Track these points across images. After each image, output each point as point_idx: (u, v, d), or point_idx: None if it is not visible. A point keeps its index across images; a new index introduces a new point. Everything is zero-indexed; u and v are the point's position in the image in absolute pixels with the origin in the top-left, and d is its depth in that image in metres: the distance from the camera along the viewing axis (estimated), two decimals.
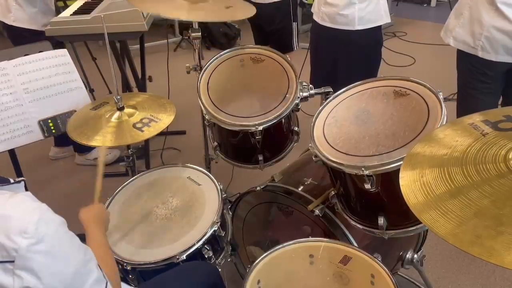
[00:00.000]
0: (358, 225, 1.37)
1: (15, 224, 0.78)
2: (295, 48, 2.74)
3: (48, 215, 0.83)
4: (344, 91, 1.47)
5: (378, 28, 2.11)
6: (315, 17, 2.21)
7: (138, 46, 2.99)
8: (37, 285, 0.80)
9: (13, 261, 0.78)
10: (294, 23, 2.68)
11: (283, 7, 2.62)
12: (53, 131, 1.70)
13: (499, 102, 1.96)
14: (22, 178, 0.94)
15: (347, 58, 2.16)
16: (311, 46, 2.34)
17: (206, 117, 1.63)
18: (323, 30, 2.16)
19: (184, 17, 1.68)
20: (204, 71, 1.75)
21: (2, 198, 0.83)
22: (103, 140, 1.46)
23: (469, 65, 1.85)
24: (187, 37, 1.91)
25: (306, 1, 2.58)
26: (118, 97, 1.57)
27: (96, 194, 1.34)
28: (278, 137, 1.68)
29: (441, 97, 1.26)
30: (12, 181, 0.91)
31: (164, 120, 1.55)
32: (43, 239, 0.79)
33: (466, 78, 1.91)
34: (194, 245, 1.37)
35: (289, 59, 1.72)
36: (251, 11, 1.79)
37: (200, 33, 1.86)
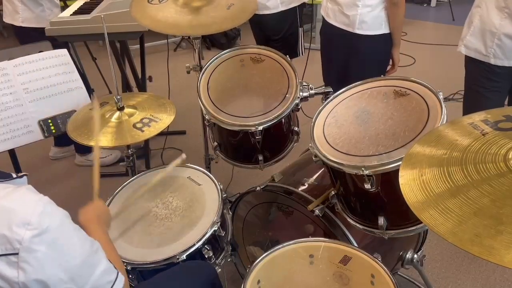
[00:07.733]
0: (358, 225, 1.37)
1: (19, 216, 0.78)
2: (301, 54, 2.64)
3: (52, 207, 0.83)
4: (344, 91, 1.47)
5: (378, 36, 2.01)
6: (322, 12, 2.18)
7: (138, 46, 2.99)
8: (42, 277, 0.80)
9: (17, 254, 0.78)
10: (300, 28, 2.58)
11: (290, 14, 2.49)
12: (53, 131, 1.70)
13: (505, 102, 1.97)
14: (25, 173, 0.95)
15: (354, 59, 2.11)
16: (321, 45, 2.29)
17: (206, 117, 1.63)
18: (329, 28, 2.12)
19: (186, 32, 1.67)
20: (204, 71, 1.75)
21: (5, 192, 0.83)
22: (103, 140, 1.47)
23: (480, 65, 1.85)
24: (187, 37, 1.90)
25: (306, 1, 2.53)
26: (118, 97, 1.57)
27: (95, 191, 1.33)
28: (278, 137, 1.68)
29: (441, 97, 1.26)
30: (14, 176, 0.92)
31: (164, 120, 1.55)
32: (47, 231, 0.79)
33: (475, 76, 1.90)
34: (194, 245, 1.37)
35: (289, 59, 1.72)
36: (253, 4, 1.77)
37: None
